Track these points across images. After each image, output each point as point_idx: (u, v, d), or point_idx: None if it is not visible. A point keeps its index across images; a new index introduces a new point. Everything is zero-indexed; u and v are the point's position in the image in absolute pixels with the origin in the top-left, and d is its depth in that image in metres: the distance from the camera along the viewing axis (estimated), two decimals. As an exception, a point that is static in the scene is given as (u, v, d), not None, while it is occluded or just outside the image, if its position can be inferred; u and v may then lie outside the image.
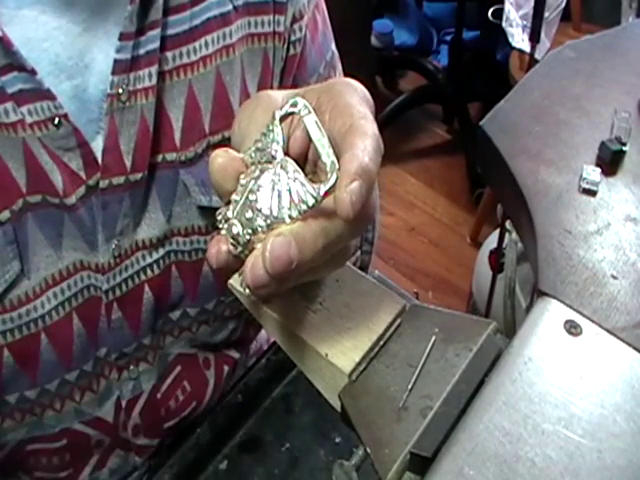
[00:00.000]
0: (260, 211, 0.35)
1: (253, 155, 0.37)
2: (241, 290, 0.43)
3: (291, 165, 0.35)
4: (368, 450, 0.37)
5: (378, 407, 0.38)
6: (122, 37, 0.49)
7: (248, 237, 0.35)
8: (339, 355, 0.40)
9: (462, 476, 0.34)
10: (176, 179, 0.56)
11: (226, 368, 0.70)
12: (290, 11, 0.59)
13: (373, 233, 0.76)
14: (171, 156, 0.55)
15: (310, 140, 0.36)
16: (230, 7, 0.55)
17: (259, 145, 0.37)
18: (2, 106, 0.46)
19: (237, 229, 0.35)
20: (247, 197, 0.36)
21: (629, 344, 0.42)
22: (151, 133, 0.53)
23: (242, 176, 0.37)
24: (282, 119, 0.37)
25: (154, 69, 0.51)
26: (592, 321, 0.44)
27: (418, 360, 0.40)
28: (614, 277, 0.48)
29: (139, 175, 0.53)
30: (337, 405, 0.41)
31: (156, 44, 0.51)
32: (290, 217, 0.34)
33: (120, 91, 0.50)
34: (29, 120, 0.47)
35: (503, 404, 0.37)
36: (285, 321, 0.41)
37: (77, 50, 0.49)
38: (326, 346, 0.40)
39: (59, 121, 0.48)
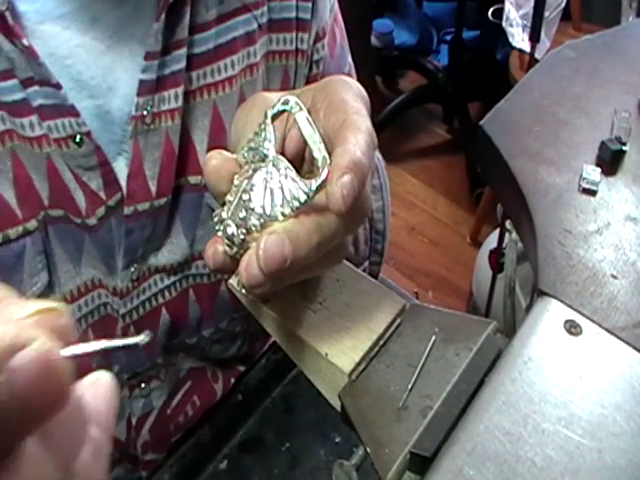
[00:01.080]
0: (253, 210, 0.35)
1: (246, 155, 0.37)
2: (242, 290, 0.43)
3: (282, 162, 0.35)
4: (368, 450, 0.37)
5: (378, 407, 0.38)
6: (147, 56, 0.47)
7: (242, 237, 0.35)
8: (339, 355, 0.40)
9: (462, 476, 0.34)
10: (200, 202, 0.54)
11: (232, 380, 0.70)
12: (314, 29, 0.58)
13: (383, 244, 0.75)
14: (195, 179, 0.54)
15: (302, 137, 0.36)
16: (255, 25, 0.54)
17: (252, 144, 0.37)
18: (27, 119, 0.45)
19: (232, 229, 0.35)
20: (240, 197, 0.36)
21: (629, 344, 0.42)
22: (176, 156, 0.51)
23: (236, 176, 0.37)
24: (274, 117, 0.37)
25: (180, 90, 0.49)
26: (592, 321, 0.44)
27: (418, 360, 0.40)
28: (614, 277, 0.48)
29: (163, 200, 0.51)
30: (337, 405, 0.41)
31: (182, 64, 0.49)
32: (283, 215, 0.34)
33: (145, 113, 0.48)
34: (52, 136, 0.46)
35: (503, 404, 0.37)
36: (285, 321, 0.41)
37: (100, 69, 0.48)
38: (326, 346, 0.40)
39: (81, 138, 0.46)
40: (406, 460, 0.36)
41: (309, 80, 0.60)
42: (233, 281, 0.42)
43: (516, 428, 0.36)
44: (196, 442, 0.64)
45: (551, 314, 0.44)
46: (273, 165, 0.35)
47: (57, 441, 0.22)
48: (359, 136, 0.34)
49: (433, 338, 0.41)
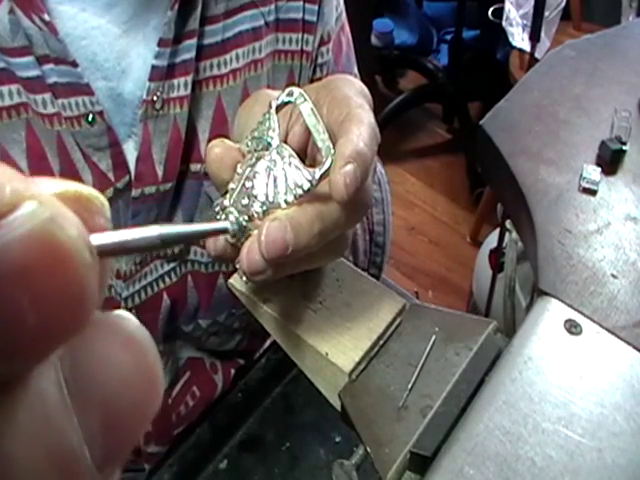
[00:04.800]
0: (256, 197, 0.35)
1: (250, 144, 0.37)
2: (242, 290, 0.43)
3: (286, 150, 0.35)
4: (368, 449, 0.37)
5: (378, 406, 0.38)
6: (161, 43, 0.49)
7: (244, 224, 0.35)
8: (339, 354, 0.40)
9: (462, 475, 0.34)
10: (199, 190, 0.56)
11: (233, 371, 0.71)
12: (319, 32, 0.59)
13: (382, 257, 0.74)
14: (195, 167, 0.55)
15: (307, 128, 0.36)
16: (262, 22, 0.55)
17: (255, 134, 0.37)
18: (41, 96, 0.47)
19: (234, 217, 0.35)
20: (243, 184, 0.36)
21: (629, 343, 0.42)
22: (183, 143, 0.52)
23: (239, 165, 0.37)
24: (278, 108, 0.37)
25: (189, 78, 0.51)
26: (592, 320, 0.44)
27: (418, 359, 0.40)
28: (614, 276, 0.48)
29: (169, 185, 0.53)
30: (337, 404, 0.41)
31: (192, 53, 0.51)
32: (286, 202, 0.34)
33: (155, 98, 0.50)
34: (64, 114, 0.47)
35: (503, 403, 0.37)
36: (285, 321, 0.41)
37: (115, 53, 0.49)
38: (326, 345, 0.40)
39: (93, 117, 0.48)
40: (406, 460, 0.36)
41: (312, 83, 0.61)
42: (234, 281, 0.42)
43: (516, 428, 0.36)
44: (196, 442, 0.64)
45: (551, 314, 0.44)
46: (277, 153, 0.35)
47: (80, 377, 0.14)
48: (362, 128, 0.35)
49: (433, 338, 0.41)
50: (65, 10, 0.47)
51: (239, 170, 0.37)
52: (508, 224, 1.10)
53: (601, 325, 0.44)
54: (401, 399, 0.38)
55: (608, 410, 0.38)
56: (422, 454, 0.35)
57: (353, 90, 0.38)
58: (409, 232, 2.10)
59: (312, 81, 0.61)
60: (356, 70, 0.68)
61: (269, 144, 0.36)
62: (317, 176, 0.34)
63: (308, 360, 0.41)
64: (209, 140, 0.54)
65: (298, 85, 0.59)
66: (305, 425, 0.66)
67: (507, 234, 1.17)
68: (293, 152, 0.35)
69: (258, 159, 0.36)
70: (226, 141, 0.38)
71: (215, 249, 0.37)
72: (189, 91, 0.51)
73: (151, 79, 0.49)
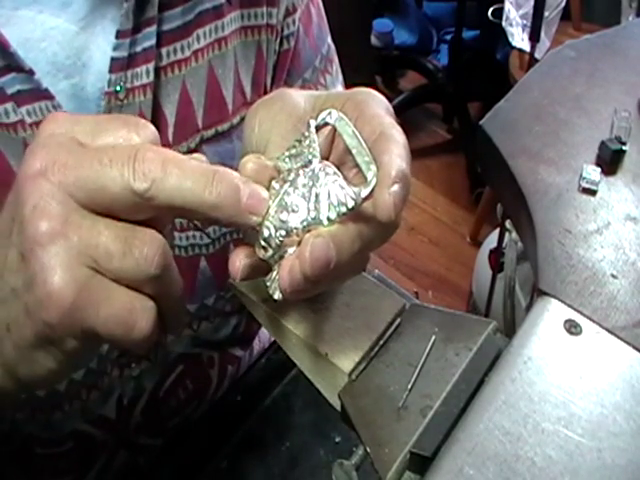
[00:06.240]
0: (296, 213, 0.34)
1: (288, 161, 0.37)
2: (242, 290, 0.43)
3: (330, 168, 0.35)
4: (368, 449, 0.37)
5: (378, 406, 0.38)
6: (119, 35, 0.49)
7: (281, 239, 0.34)
8: (339, 355, 0.40)
9: (462, 475, 0.34)
10: None
11: (230, 368, 0.70)
12: (283, 4, 0.59)
13: None
14: None
15: (346, 149, 0.36)
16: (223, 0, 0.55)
17: (293, 152, 0.37)
18: (2, 106, 0.47)
19: (268, 231, 0.35)
20: (282, 199, 0.35)
21: (629, 343, 0.43)
22: None
23: (274, 181, 0.36)
24: (317, 128, 0.37)
25: (151, 66, 0.51)
26: (592, 320, 0.44)
27: (418, 359, 0.40)
28: (614, 276, 0.48)
29: None
30: (337, 404, 0.41)
31: (152, 41, 0.51)
32: (328, 219, 0.34)
33: (118, 89, 0.50)
34: (28, 120, 0.47)
35: (503, 403, 0.38)
36: (285, 321, 0.41)
37: (74, 49, 0.49)
38: (326, 346, 0.40)
39: None
40: (406, 460, 0.36)
41: (280, 56, 0.61)
42: (232, 280, 0.42)
43: (516, 428, 0.36)
44: (196, 441, 0.65)
45: (551, 314, 0.44)
46: (320, 170, 0.35)
47: None
48: (401, 149, 0.35)
49: (433, 338, 0.41)
50: (23, 14, 0.47)
51: (275, 185, 0.36)
52: (508, 224, 1.10)
53: (601, 325, 0.44)
54: (401, 399, 0.38)
55: (608, 410, 0.38)
56: (422, 454, 0.35)
57: (382, 107, 0.38)
58: (409, 232, 2.10)
59: (279, 53, 0.61)
60: (329, 40, 0.68)
61: (310, 161, 0.36)
62: (363, 195, 0.33)
63: (308, 360, 0.41)
64: (176, 124, 0.55)
65: (265, 62, 0.60)
66: (305, 425, 0.66)
67: (507, 234, 1.17)
68: (337, 170, 0.35)
69: (298, 175, 0.35)
70: (261, 157, 0.38)
71: (242, 274, 0.36)
72: (152, 78, 0.51)
73: (111, 71, 0.49)
